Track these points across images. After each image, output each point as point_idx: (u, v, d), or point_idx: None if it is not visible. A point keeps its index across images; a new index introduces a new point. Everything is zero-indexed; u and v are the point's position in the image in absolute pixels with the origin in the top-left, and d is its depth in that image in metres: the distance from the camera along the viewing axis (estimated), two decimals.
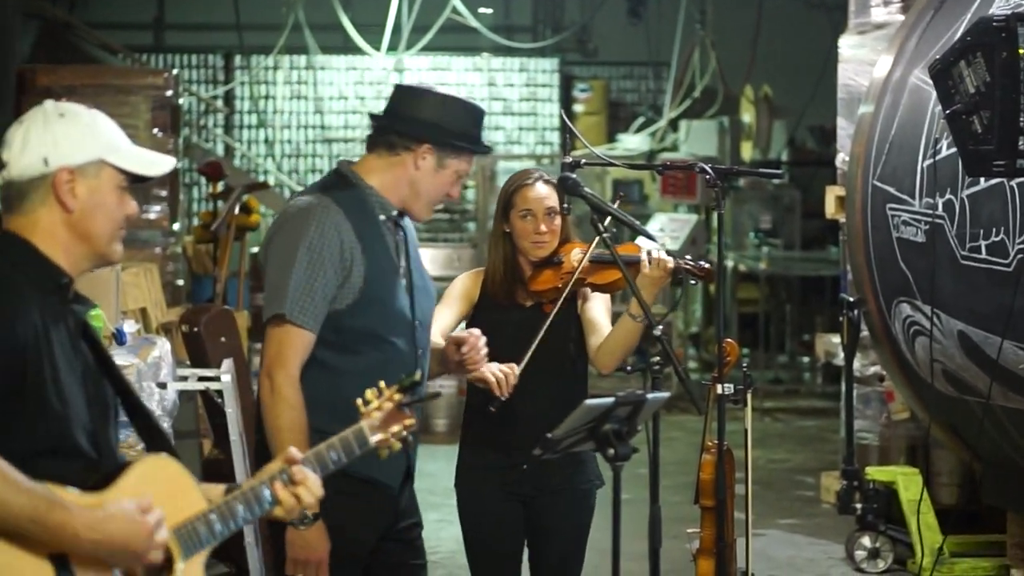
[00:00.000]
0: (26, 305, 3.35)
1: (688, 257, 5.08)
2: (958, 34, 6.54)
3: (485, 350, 4.71)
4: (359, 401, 3.71)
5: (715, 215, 15.07)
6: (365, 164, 4.55)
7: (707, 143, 15.30)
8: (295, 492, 3.58)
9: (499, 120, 17.06)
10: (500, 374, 4.90)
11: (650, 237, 4.89)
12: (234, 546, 7.51)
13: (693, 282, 5.10)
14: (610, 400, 4.33)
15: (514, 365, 4.93)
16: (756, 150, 15.43)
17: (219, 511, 3.49)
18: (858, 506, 8.34)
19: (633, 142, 15.95)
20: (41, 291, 3.41)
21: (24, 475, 3.20)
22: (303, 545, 4.32)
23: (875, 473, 8.42)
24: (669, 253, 5.05)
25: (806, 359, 14.72)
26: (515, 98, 17.11)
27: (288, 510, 3.59)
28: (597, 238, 4.89)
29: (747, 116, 15.50)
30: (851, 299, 8.35)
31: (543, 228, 5.17)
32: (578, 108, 17.03)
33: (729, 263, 14.60)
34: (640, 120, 16.60)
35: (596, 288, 5.13)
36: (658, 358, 4.76)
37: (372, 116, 4.64)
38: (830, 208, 9.21)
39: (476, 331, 4.72)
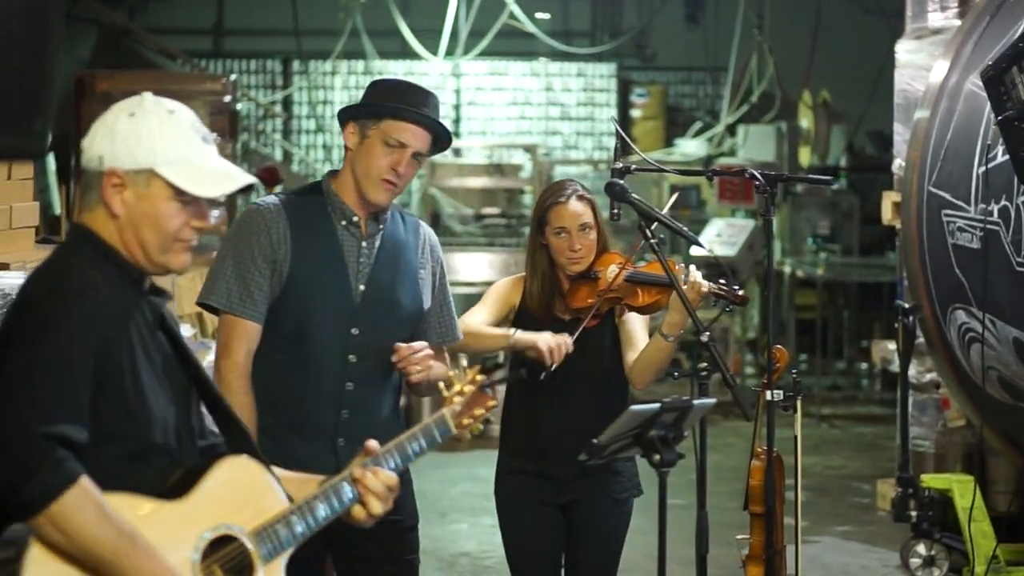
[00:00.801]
0: (106, 301, 3.29)
1: (722, 281, 5.05)
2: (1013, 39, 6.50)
3: (420, 361, 4.55)
4: (441, 385, 3.74)
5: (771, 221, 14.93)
6: (336, 177, 4.66)
7: (765, 148, 15.23)
8: (373, 488, 3.55)
9: (557, 125, 17.06)
10: (553, 343, 4.93)
11: (698, 243, 4.88)
12: None
13: (728, 309, 5.07)
14: (656, 406, 4.33)
15: (567, 335, 4.95)
16: (814, 156, 15.35)
17: (300, 511, 3.48)
18: (913, 514, 8.30)
19: (690, 147, 15.90)
20: (117, 286, 3.35)
21: (110, 505, 3.17)
22: None
23: (930, 480, 8.37)
24: (719, 264, 5.05)
25: (864, 366, 14.63)
26: (572, 103, 17.09)
27: (371, 509, 3.56)
28: (637, 248, 4.91)
29: (805, 121, 15.43)
30: (906, 306, 8.32)
31: (577, 246, 5.19)
32: (635, 113, 16.99)
33: (787, 269, 14.54)
34: (697, 125, 16.56)
35: (632, 310, 5.13)
36: (705, 364, 4.75)
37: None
38: (887, 214, 9.18)
39: (410, 345, 4.58)
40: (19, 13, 2.61)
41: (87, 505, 3.12)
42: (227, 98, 13.20)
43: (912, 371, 8.97)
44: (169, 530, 3.29)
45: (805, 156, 15.34)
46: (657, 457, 4.35)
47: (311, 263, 4.53)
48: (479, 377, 3.76)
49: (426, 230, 4.79)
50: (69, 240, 3.44)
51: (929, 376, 9.10)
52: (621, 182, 4.87)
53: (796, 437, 5.47)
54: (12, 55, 2.41)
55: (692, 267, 4.97)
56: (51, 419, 3.13)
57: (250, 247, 4.49)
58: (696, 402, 4.43)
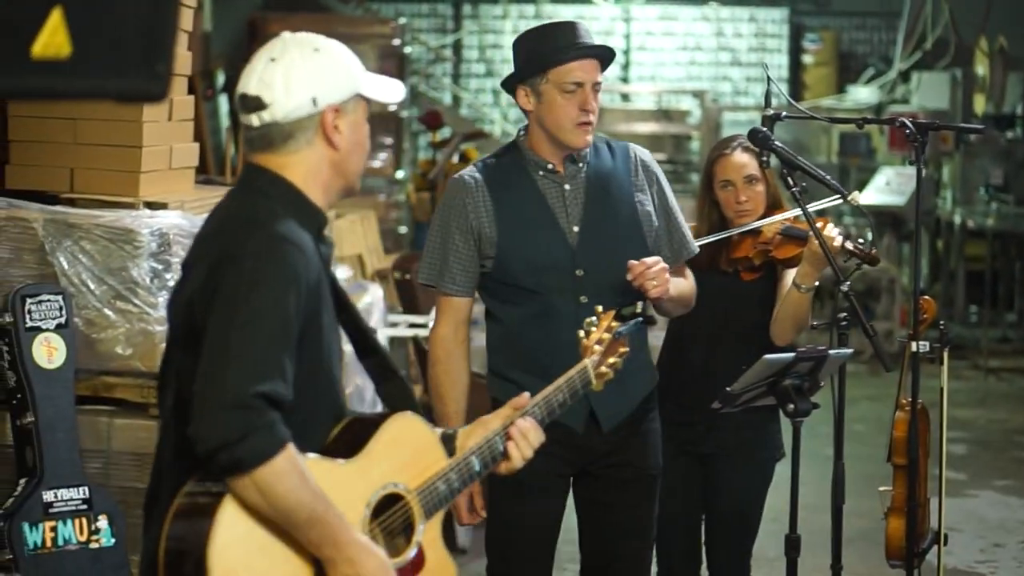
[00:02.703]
0: (306, 251, 3.28)
1: (860, 240, 4.97)
2: None
3: (656, 276, 4.49)
4: (580, 332, 3.78)
5: (943, 169, 14.70)
6: (528, 128, 4.72)
7: (939, 96, 14.96)
8: (519, 442, 3.58)
9: (727, 71, 16.90)
10: None
11: (842, 193, 4.82)
12: None
13: (857, 267, 4.97)
14: (790, 355, 4.30)
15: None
16: (989, 103, 15.04)
17: (459, 469, 3.51)
18: None
19: (862, 94, 15.67)
20: (309, 232, 3.34)
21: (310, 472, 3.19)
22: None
23: None
24: (865, 215, 4.99)
25: None
26: (743, 48, 16.93)
27: (513, 461, 3.60)
28: (795, 208, 4.86)
29: (981, 68, 15.11)
30: None
31: (743, 197, 5.14)
32: (807, 59, 16.78)
33: (957, 219, 14.30)
34: (870, 72, 16.31)
35: (778, 262, 5.09)
36: (845, 314, 4.70)
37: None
38: None
39: (645, 260, 4.51)
40: None
41: (292, 471, 3.11)
42: (396, 41, 13.33)
43: None
44: (345, 490, 3.30)
45: (980, 104, 15.03)
46: (791, 407, 4.33)
47: (519, 220, 4.61)
48: (614, 324, 3.78)
49: (637, 151, 4.78)
50: (256, 186, 3.39)
51: None
52: (764, 129, 4.83)
53: (942, 389, 5.41)
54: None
55: (830, 224, 4.89)
56: (264, 378, 3.10)
57: (448, 223, 4.62)
58: (832, 352, 4.40)
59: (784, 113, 5.14)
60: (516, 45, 4.67)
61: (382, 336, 7.83)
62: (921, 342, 5.08)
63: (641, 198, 4.72)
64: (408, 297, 8.25)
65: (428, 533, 3.46)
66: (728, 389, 4.35)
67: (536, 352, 4.59)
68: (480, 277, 4.65)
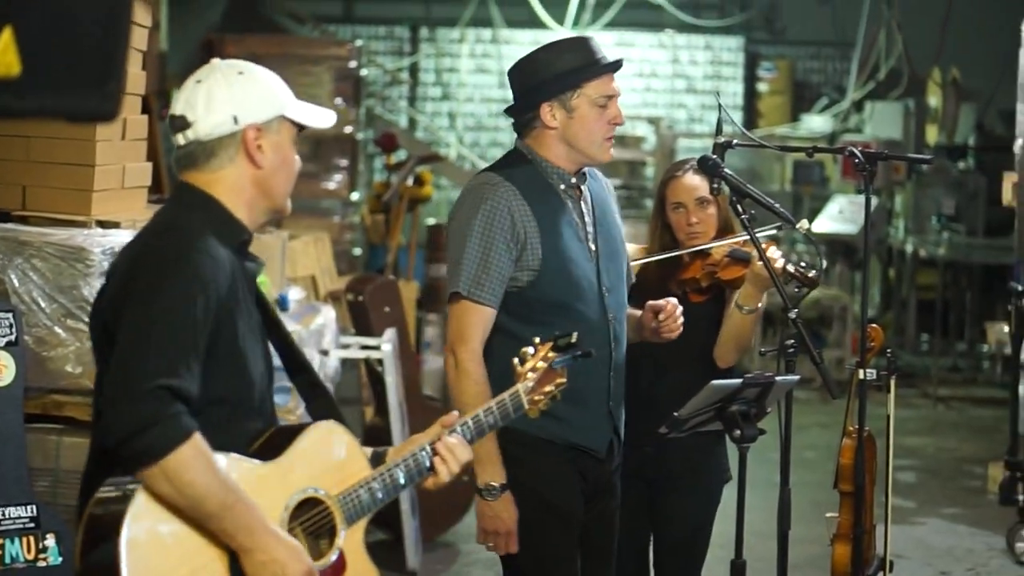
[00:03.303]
0: (220, 262, 3.40)
1: (802, 263, 5.02)
2: None
3: (681, 319, 4.72)
4: (515, 360, 3.80)
5: (896, 198, 14.72)
6: (532, 143, 4.61)
7: (892, 126, 15.07)
8: (447, 458, 3.65)
9: (683, 98, 16.99)
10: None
11: (790, 221, 4.84)
12: (391, 513, 7.65)
13: (797, 289, 5.00)
14: (737, 381, 4.33)
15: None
16: (942, 134, 15.16)
17: (382, 479, 3.58)
18: (1021, 497, 8.21)
19: (816, 123, 15.77)
20: (229, 247, 3.47)
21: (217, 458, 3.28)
22: (492, 516, 4.44)
23: None
24: (813, 242, 5.04)
25: (985, 347, 14.45)
26: (699, 76, 17.02)
27: (440, 477, 3.66)
28: (742, 230, 4.90)
29: (934, 99, 15.23)
30: (1020, 288, 8.21)
31: (694, 219, 5.17)
32: (762, 87, 16.89)
33: (909, 248, 14.39)
34: (824, 101, 16.42)
35: (723, 284, 5.12)
36: (792, 341, 4.73)
37: (504, 111, 4.74)
38: (1006, 195, 9.04)
39: (673, 300, 4.72)
40: None
41: (199, 459, 3.22)
42: (352, 64, 13.33)
43: None
44: (263, 490, 3.40)
45: (932, 134, 15.15)
46: (738, 432, 4.35)
47: (556, 234, 4.51)
48: (551, 354, 3.81)
49: (606, 179, 4.84)
50: (182, 200, 3.54)
51: None
52: (714, 157, 4.86)
53: (889, 416, 5.45)
54: (82, 19, 2.46)
55: (773, 247, 4.93)
56: (170, 372, 3.22)
57: (491, 230, 4.44)
58: (779, 378, 4.43)
59: (735, 141, 5.17)
60: (535, 63, 4.55)
61: (334, 358, 7.83)
62: (869, 370, 5.12)
63: (619, 220, 4.79)
64: (361, 319, 8.25)
65: (350, 540, 3.54)
66: (676, 414, 4.37)
67: (569, 375, 4.38)
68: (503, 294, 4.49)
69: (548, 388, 3.80)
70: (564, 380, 3.82)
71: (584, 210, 4.63)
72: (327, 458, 3.53)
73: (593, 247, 4.61)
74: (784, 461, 4.77)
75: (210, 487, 3.22)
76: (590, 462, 4.59)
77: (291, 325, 6.99)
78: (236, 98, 3.47)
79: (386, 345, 7.76)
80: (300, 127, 3.59)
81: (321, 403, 3.74)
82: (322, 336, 7.65)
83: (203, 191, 3.50)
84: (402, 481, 3.61)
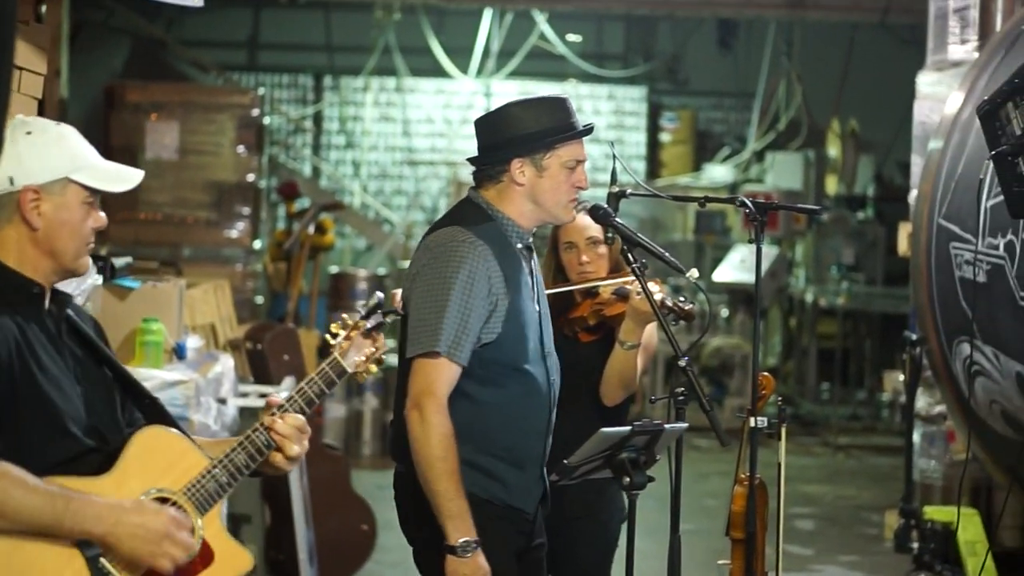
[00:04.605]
0: (2, 319, 3.45)
1: (682, 298, 5.07)
2: None
3: None
4: (327, 336, 3.84)
5: (796, 248, 14.89)
6: (493, 196, 4.60)
7: (792, 176, 15.25)
8: (284, 432, 3.71)
9: (586, 148, 17.04)
10: None
11: (680, 270, 4.88)
12: (289, 561, 7.60)
13: (674, 322, 5.02)
14: (626, 428, 4.35)
15: None
16: (842, 184, 15.35)
17: (222, 466, 3.66)
18: (915, 545, 8.27)
19: (718, 173, 15.92)
20: (15, 302, 3.50)
21: (36, 477, 3.35)
22: (471, 571, 4.39)
23: (933, 512, 8.34)
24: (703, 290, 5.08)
25: (884, 396, 14.61)
26: (602, 125, 17.12)
27: (287, 452, 3.72)
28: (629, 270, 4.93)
29: (833, 150, 15.42)
30: (913, 337, 8.30)
31: (585, 258, 5.22)
32: (665, 137, 17.01)
33: (809, 297, 14.54)
34: (726, 150, 16.57)
35: (608, 320, 5.16)
36: (682, 388, 4.75)
37: (469, 160, 4.71)
38: (902, 245, 9.17)
39: None
40: None
41: (12, 485, 3.31)
42: (255, 111, 13.28)
43: (922, 403, 8.95)
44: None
45: (832, 185, 15.34)
46: (627, 479, 4.37)
47: (518, 296, 4.51)
48: (361, 323, 3.84)
49: None
50: None
51: (939, 408, 9.07)
52: (605, 206, 4.91)
53: (780, 464, 5.47)
54: None
55: (652, 283, 4.96)
56: None
57: (471, 289, 4.41)
58: (668, 426, 4.45)
59: (629, 191, 5.22)
60: (508, 117, 4.57)
61: (232, 406, 7.78)
62: (760, 418, 5.15)
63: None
64: (259, 367, 8.22)
65: (209, 528, 3.64)
66: (565, 461, 4.38)
67: (510, 436, 4.51)
68: None
69: (369, 351, 3.84)
70: (383, 343, 3.88)
71: (533, 269, 4.65)
72: (161, 458, 3.61)
73: (538, 308, 4.63)
74: (675, 508, 4.78)
75: (34, 504, 3.32)
76: (524, 519, 4.61)
77: (188, 373, 6.94)
78: (16, 159, 3.50)
79: (284, 393, 7.71)
80: (93, 190, 3.59)
81: (152, 414, 3.79)
82: (220, 384, 7.60)
83: None
84: (243, 462, 3.67)
